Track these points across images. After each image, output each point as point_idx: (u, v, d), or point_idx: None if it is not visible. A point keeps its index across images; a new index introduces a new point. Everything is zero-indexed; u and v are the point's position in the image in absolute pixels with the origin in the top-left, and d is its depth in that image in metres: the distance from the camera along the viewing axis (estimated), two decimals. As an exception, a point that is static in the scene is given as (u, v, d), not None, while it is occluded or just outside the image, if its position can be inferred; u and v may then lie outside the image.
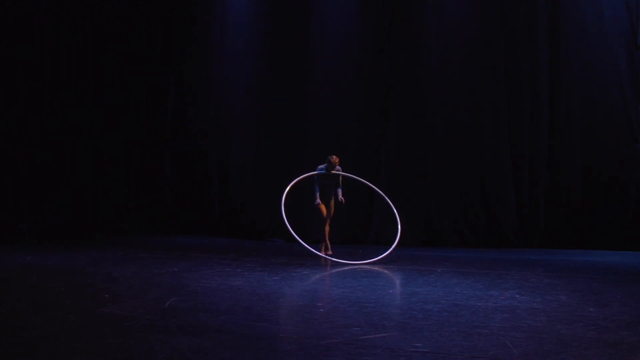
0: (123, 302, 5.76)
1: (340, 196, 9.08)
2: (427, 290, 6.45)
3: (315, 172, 9.12)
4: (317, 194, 9.15)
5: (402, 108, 11.49)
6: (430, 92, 11.27)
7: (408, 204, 11.14)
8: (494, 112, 10.96)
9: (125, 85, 13.41)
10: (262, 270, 7.91)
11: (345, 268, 8.27)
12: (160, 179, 13.37)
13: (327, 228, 9.34)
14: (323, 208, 9.20)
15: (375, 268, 8.35)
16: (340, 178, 9.16)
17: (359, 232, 11.45)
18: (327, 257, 8.98)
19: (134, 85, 13.46)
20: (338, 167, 9.18)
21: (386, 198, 9.26)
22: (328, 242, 9.43)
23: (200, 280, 7.06)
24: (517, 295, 6.13)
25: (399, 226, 8.83)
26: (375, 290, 6.56)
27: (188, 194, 13.24)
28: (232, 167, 12.85)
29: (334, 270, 8.15)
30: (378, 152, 11.54)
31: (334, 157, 9.09)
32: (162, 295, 6.05)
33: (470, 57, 11.10)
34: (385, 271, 8.20)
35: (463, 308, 5.53)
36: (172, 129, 13.49)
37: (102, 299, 5.90)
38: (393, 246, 8.74)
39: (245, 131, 12.74)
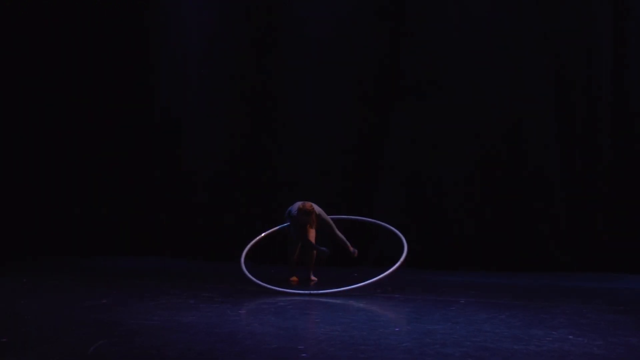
0: (28, 349, 5.63)
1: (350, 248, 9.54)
2: (445, 329, 6.39)
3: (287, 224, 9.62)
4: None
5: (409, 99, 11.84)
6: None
7: (418, 213, 11.44)
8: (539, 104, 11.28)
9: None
10: (223, 302, 7.86)
11: (334, 300, 8.23)
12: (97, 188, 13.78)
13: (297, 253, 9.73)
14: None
15: (376, 298, 8.31)
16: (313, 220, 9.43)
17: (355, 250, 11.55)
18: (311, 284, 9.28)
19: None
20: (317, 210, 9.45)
21: (382, 224, 9.69)
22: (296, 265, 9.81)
23: (139, 316, 6.97)
24: (569, 336, 6.07)
25: (405, 243, 8.99)
26: (376, 329, 6.48)
27: (130, 204, 13.60)
28: (186, 165, 13.22)
29: (320, 302, 8.10)
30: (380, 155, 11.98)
31: (306, 205, 9.29)
32: (85, 338, 5.93)
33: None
34: (389, 302, 8.14)
35: (495, 353, 5.45)
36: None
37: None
38: (398, 263, 8.74)
39: (202, 124, 13.12)
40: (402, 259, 8.75)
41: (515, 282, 9.77)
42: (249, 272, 8.89)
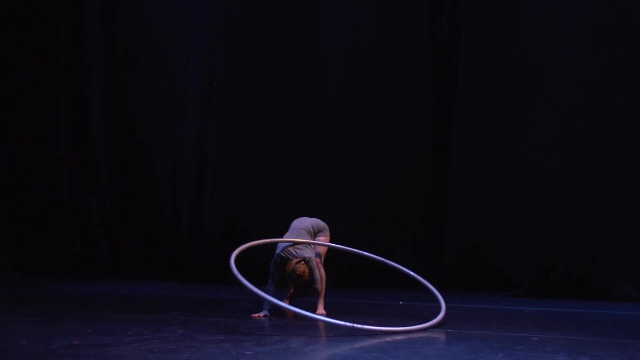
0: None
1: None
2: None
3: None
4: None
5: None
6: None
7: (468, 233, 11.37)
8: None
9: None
10: (226, 340, 7.16)
11: (365, 335, 7.43)
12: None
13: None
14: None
15: (421, 333, 7.67)
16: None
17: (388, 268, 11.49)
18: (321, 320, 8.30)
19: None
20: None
21: (411, 273, 9.10)
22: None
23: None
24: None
25: (443, 303, 8.45)
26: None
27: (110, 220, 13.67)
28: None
29: (346, 337, 7.32)
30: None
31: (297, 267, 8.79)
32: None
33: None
34: (435, 335, 7.49)
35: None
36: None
37: None
38: (440, 316, 8.12)
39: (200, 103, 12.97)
40: (441, 314, 8.13)
41: (601, 312, 9.31)
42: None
